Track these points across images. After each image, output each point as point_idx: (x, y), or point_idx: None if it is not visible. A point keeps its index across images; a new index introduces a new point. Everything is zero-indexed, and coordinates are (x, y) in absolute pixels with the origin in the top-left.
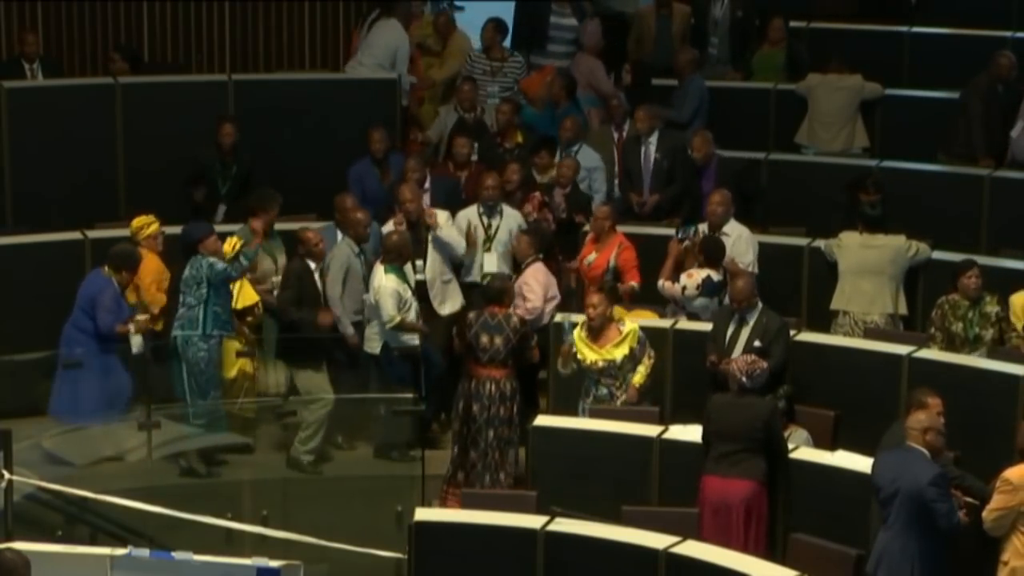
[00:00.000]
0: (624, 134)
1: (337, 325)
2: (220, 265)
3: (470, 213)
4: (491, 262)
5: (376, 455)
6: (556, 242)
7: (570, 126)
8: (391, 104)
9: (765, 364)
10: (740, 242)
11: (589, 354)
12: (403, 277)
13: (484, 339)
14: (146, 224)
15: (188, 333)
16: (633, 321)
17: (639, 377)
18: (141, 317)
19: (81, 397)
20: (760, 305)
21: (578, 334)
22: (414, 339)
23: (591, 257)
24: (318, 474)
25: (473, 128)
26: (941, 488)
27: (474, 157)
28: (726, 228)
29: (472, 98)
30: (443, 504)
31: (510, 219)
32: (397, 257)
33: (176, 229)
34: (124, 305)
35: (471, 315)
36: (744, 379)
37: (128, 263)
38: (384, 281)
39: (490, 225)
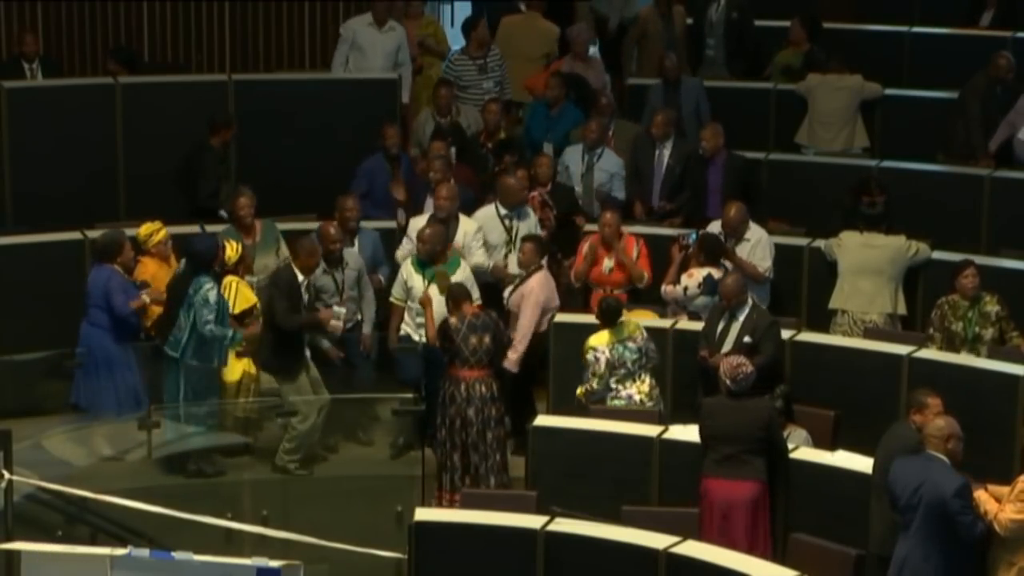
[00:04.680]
0: (610, 133)
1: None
2: (207, 315)
3: (484, 215)
4: (515, 264)
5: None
6: (554, 241)
7: (594, 128)
8: (391, 104)
9: (750, 368)
10: (759, 247)
11: None
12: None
13: (473, 340)
14: (154, 231)
15: (172, 354)
16: (598, 340)
17: (580, 390)
18: (149, 291)
19: (106, 391)
20: (750, 302)
21: None
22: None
23: (608, 264)
24: (308, 475)
25: (449, 132)
26: (966, 500)
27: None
28: (747, 234)
29: (449, 103)
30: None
31: (531, 221)
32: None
33: (178, 230)
34: (131, 286)
35: (453, 320)
36: (729, 382)
37: (113, 249)
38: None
39: (511, 227)
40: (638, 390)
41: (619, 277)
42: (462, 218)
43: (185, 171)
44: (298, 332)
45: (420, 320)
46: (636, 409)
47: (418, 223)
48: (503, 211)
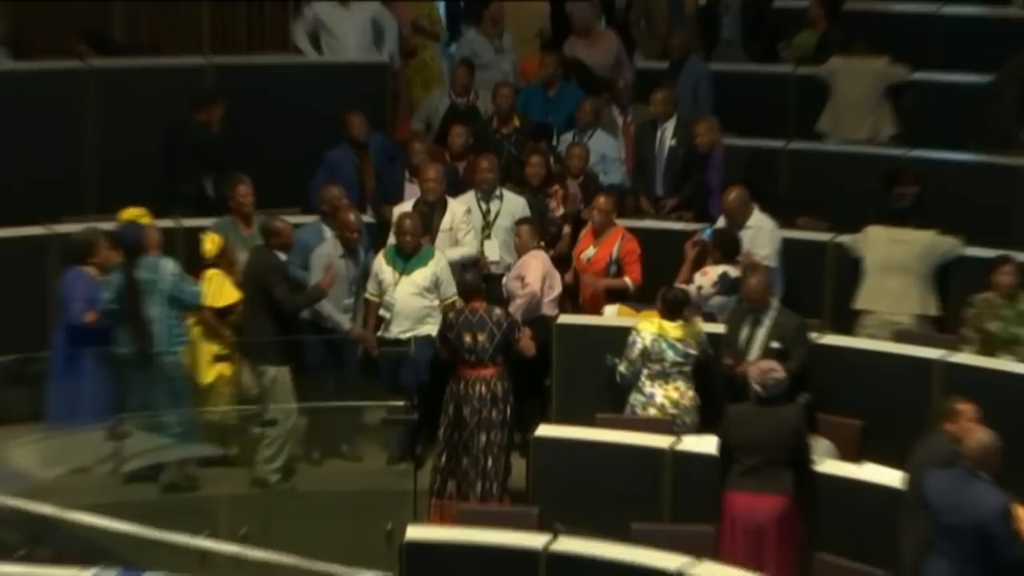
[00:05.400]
0: (629, 118)
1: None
2: (190, 286)
3: (467, 200)
4: (493, 251)
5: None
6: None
7: (589, 109)
8: (380, 88)
9: (782, 373)
10: (760, 234)
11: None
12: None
13: (467, 338)
14: (138, 218)
15: (166, 350)
16: (647, 325)
17: (621, 367)
18: None
19: (75, 401)
20: (776, 304)
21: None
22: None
23: (590, 252)
24: (288, 488)
25: (466, 115)
26: (1008, 520)
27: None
28: (749, 221)
29: (468, 83)
30: (429, 519)
31: (511, 204)
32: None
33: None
34: (101, 293)
35: (450, 314)
36: (759, 388)
37: (86, 250)
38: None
39: (488, 211)
40: (665, 394)
41: (598, 268)
42: (451, 202)
43: (166, 152)
44: (300, 311)
45: (387, 315)
46: (646, 418)
47: (405, 209)
48: (479, 194)
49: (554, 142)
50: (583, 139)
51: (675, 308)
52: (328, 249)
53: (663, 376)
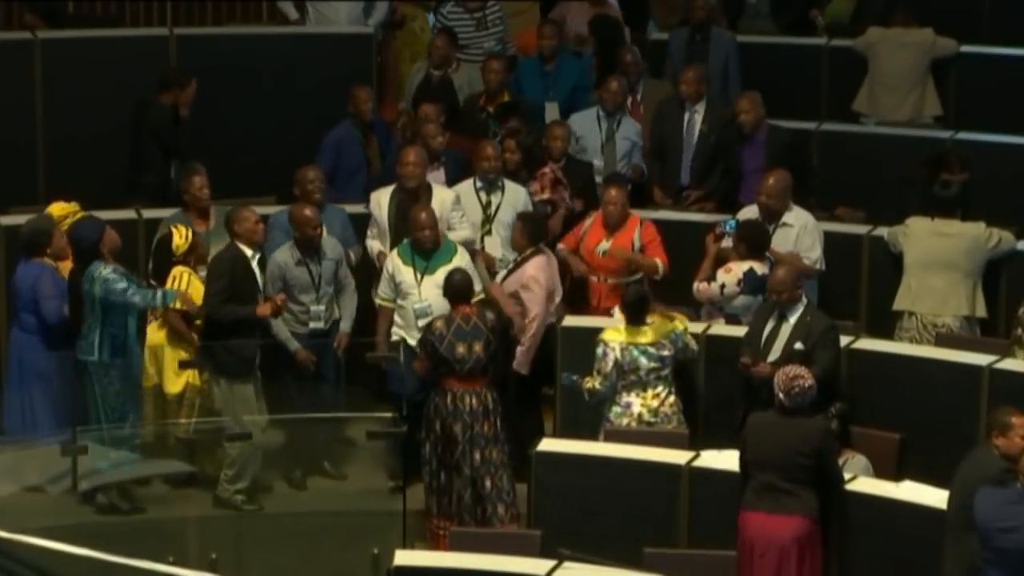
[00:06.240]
0: (639, 97)
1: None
2: (119, 284)
3: (464, 189)
4: (494, 248)
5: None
6: (563, 230)
7: (616, 89)
8: (365, 62)
9: (809, 382)
10: (805, 234)
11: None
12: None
13: (460, 349)
14: (70, 214)
15: (85, 359)
16: (613, 335)
17: (588, 383)
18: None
19: (36, 410)
20: (804, 300)
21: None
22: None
23: (604, 245)
24: (257, 509)
25: (438, 89)
26: None
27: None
28: (787, 217)
29: (447, 55)
30: (435, 545)
31: (512, 195)
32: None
33: (110, 214)
34: (66, 286)
35: (439, 323)
36: (782, 396)
37: (41, 240)
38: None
39: (489, 203)
40: (643, 403)
41: (615, 263)
42: (436, 187)
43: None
44: (233, 327)
45: (418, 321)
46: (660, 430)
47: (381, 197)
48: (479, 184)
49: (544, 120)
50: (612, 125)
51: (638, 311)
52: (283, 258)
53: (640, 385)
